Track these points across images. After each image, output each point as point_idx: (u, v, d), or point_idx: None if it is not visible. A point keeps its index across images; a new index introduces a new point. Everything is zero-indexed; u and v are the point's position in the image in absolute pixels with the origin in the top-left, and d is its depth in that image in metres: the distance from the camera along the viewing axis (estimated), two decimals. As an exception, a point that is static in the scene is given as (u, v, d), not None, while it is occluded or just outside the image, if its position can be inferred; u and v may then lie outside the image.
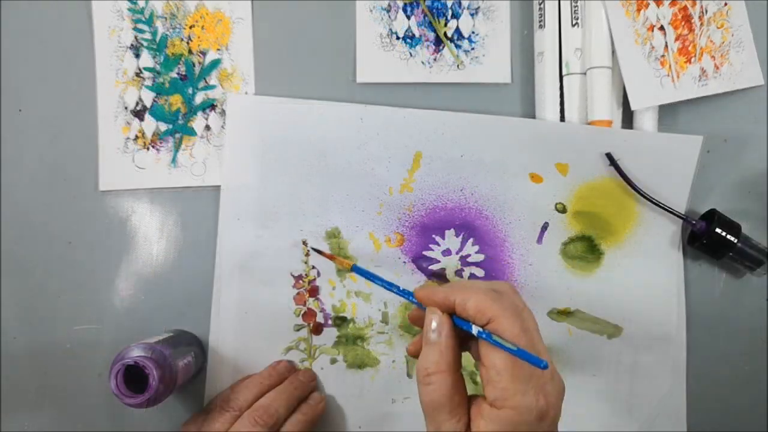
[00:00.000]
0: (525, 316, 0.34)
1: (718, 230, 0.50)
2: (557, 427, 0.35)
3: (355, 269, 0.43)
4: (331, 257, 0.48)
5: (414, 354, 0.38)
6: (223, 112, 0.52)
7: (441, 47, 0.53)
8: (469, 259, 0.52)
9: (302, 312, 0.52)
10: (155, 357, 0.43)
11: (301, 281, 0.52)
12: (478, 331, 0.34)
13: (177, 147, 0.52)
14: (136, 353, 0.43)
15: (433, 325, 0.35)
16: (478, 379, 0.52)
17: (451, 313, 0.36)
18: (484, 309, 0.34)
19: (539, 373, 0.33)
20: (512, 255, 0.52)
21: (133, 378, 0.42)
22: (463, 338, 0.37)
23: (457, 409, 0.34)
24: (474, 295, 0.34)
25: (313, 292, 0.52)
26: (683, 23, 0.52)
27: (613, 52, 0.51)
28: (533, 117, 0.52)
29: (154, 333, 0.52)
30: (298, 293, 0.52)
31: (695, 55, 0.52)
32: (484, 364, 0.34)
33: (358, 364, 0.52)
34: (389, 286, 0.40)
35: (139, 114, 0.52)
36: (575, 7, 0.51)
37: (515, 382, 0.32)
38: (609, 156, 0.51)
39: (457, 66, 0.53)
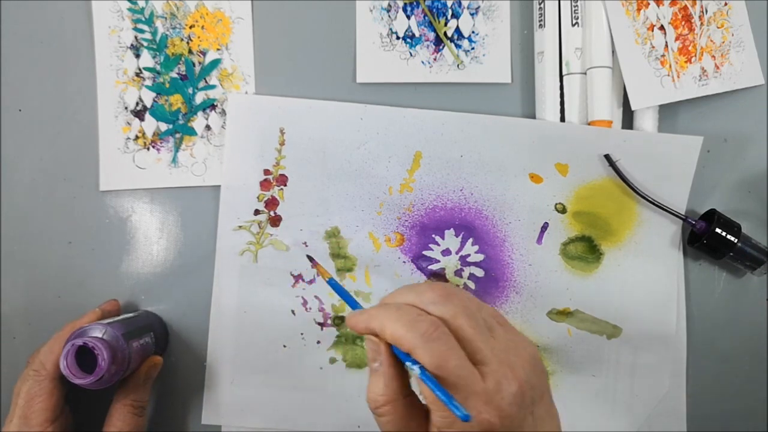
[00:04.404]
0: (444, 338, 0.31)
1: (718, 230, 0.50)
2: (533, 419, 0.33)
3: (331, 283, 0.42)
4: (315, 265, 0.45)
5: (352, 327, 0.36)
6: (223, 112, 0.52)
7: (441, 47, 0.53)
8: (469, 259, 0.52)
9: (266, 198, 0.51)
10: (107, 338, 0.43)
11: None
12: (410, 362, 0.31)
13: (177, 147, 0.52)
14: (89, 333, 0.43)
15: (374, 353, 0.33)
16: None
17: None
18: (400, 340, 0.31)
19: (479, 390, 0.31)
20: (512, 255, 0.52)
21: (88, 358, 0.42)
22: None
23: None
24: (388, 322, 0.32)
25: (281, 181, 0.51)
26: (683, 23, 0.52)
27: (614, 51, 0.51)
28: (533, 117, 0.52)
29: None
30: (265, 179, 0.51)
31: (695, 55, 0.52)
32: (422, 392, 0.32)
33: (357, 364, 0.52)
34: (352, 303, 0.39)
35: (139, 114, 0.52)
36: (575, 6, 0.51)
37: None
38: (608, 157, 0.51)
39: (458, 66, 0.53)
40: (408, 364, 0.31)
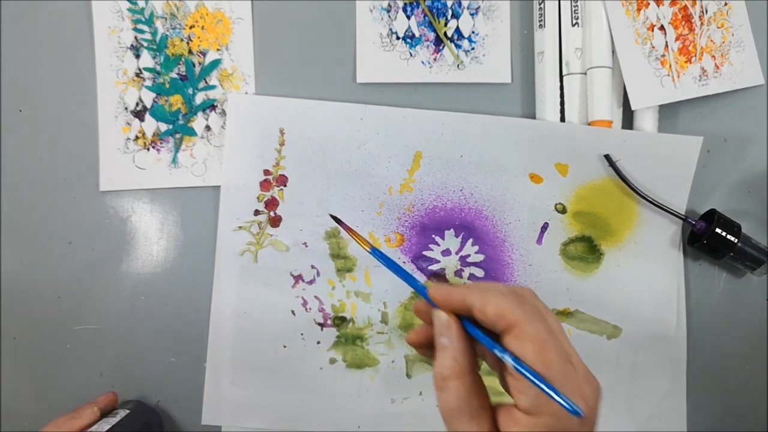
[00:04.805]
0: (549, 320, 0.32)
1: (718, 230, 0.50)
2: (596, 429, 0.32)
3: (374, 252, 0.38)
4: (351, 232, 0.40)
5: (413, 343, 0.36)
6: (223, 112, 0.52)
7: (441, 47, 0.53)
8: (469, 259, 0.52)
9: (266, 199, 0.51)
10: None
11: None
12: (499, 350, 0.31)
13: (177, 147, 0.52)
14: None
15: (443, 329, 0.33)
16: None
17: (463, 316, 0.33)
18: (505, 312, 0.31)
19: (572, 376, 0.31)
20: (512, 255, 0.52)
21: None
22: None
23: (477, 414, 0.32)
24: (493, 297, 0.32)
25: (281, 181, 0.51)
26: (683, 23, 0.52)
27: (614, 51, 0.51)
28: (533, 117, 0.52)
29: (154, 333, 0.52)
30: (265, 180, 0.51)
31: (695, 55, 0.52)
32: (512, 373, 0.31)
33: (357, 364, 0.52)
34: (406, 277, 0.36)
35: (139, 114, 0.52)
36: (575, 6, 0.51)
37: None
38: (608, 158, 0.51)
39: (458, 66, 0.53)
40: (499, 353, 0.31)
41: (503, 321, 0.31)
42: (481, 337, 0.32)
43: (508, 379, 0.31)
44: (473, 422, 0.31)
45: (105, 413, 0.48)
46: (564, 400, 0.29)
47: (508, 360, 0.30)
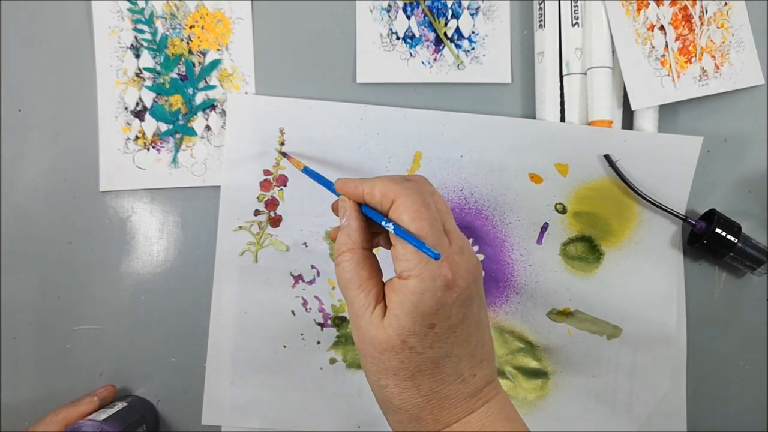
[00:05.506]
0: (426, 195, 0.36)
1: (718, 230, 0.50)
2: (474, 307, 0.35)
3: (306, 171, 0.46)
4: (290, 159, 0.49)
5: (334, 238, 0.40)
6: (223, 112, 0.52)
7: (441, 47, 0.53)
8: (469, 259, 0.52)
9: (266, 199, 0.52)
10: None
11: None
12: (384, 221, 0.35)
13: (177, 147, 0.52)
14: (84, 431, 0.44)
15: (343, 211, 0.38)
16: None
17: (362, 203, 0.38)
18: (388, 191, 0.35)
19: (445, 245, 0.34)
20: (512, 255, 0.52)
21: None
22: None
23: (365, 283, 0.36)
24: (380, 182, 0.36)
25: (281, 181, 0.51)
26: (683, 23, 0.52)
27: (614, 51, 0.51)
28: (533, 117, 0.52)
29: (154, 333, 0.52)
30: (265, 180, 0.52)
31: (695, 55, 0.52)
32: (393, 243, 0.35)
33: (357, 364, 0.52)
34: (326, 183, 0.42)
35: (139, 114, 0.52)
36: (575, 6, 0.51)
37: (419, 253, 0.33)
38: (608, 158, 0.51)
39: (458, 66, 0.53)
40: (383, 222, 0.35)
41: (387, 199, 0.35)
42: (373, 214, 0.36)
43: (392, 251, 0.35)
44: (361, 290, 0.35)
45: (104, 404, 0.49)
46: (419, 245, 0.33)
47: (389, 226, 0.34)
